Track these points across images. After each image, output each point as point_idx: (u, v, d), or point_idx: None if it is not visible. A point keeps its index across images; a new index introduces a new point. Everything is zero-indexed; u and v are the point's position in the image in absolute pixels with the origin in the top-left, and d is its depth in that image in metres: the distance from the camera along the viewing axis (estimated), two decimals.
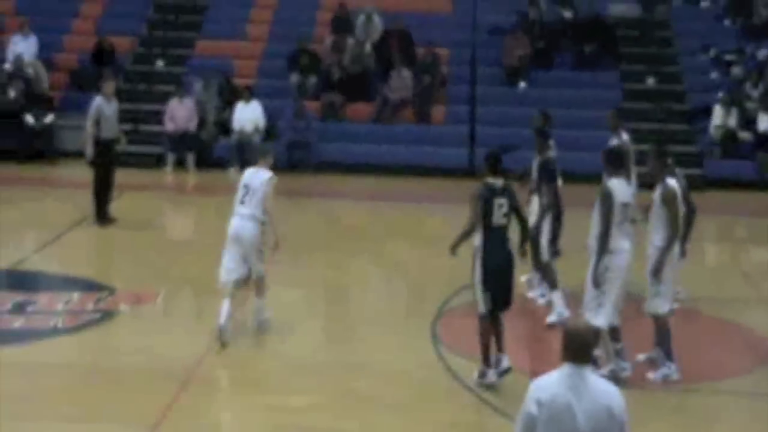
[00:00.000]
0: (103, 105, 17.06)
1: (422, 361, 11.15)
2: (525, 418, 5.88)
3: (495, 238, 10.14)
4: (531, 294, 13.26)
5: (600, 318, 10.20)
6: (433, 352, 11.43)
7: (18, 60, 22.95)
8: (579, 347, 5.87)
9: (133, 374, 10.86)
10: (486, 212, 10.10)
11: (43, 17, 24.70)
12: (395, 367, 11.01)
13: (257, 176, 11.92)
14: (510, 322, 10.71)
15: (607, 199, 10.17)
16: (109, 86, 17.37)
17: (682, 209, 10.49)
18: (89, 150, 16.91)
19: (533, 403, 5.85)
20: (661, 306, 10.48)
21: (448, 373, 10.83)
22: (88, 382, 10.61)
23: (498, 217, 10.13)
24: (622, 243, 10.22)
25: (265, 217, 11.92)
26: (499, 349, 10.44)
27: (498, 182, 10.22)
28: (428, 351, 11.43)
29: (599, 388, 5.90)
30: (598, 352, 10.27)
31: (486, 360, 10.37)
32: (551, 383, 5.89)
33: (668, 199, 10.23)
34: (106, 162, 17.11)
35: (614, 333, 10.50)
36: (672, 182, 10.36)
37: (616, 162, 10.47)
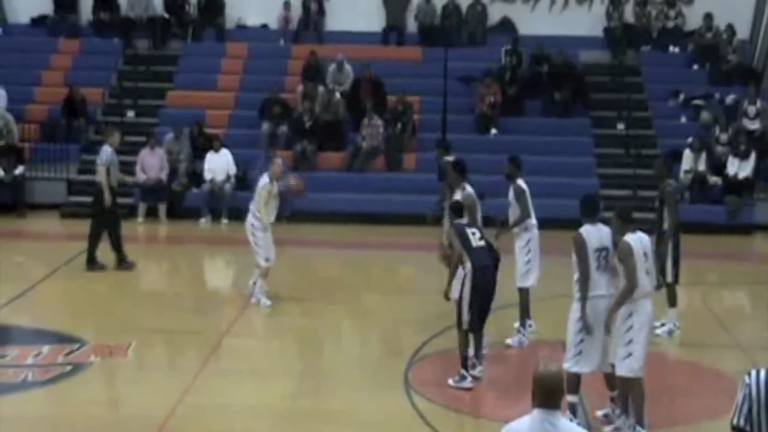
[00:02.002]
0: (112, 153, 17.35)
1: (395, 409, 11.16)
2: None
3: (480, 256, 11.61)
4: (510, 341, 13.34)
5: (580, 365, 10.26)
6: (406, 400, 11.44)
7: None
8: (549, 392, 5.88)
9: (104, 428, 10.83)
10: (465, 240, 11.58)
11: (13, 69, 24.76)
12: (369, 416, 11.02)
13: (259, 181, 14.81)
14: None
15: (579, 246, 10.26)
16: (114, 137, 17.67)
17: (645, 260, 10.20)
18: (107, 197, 17.13)
19: None
20: (636, 368, 10.12)
21: (421, 421, 10.84)
22: None
23: (475, 241, 11.66)
24: (600, 288, 10.27)
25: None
26: (477, 359, 11.87)
27: (464, 221, 11.90)
28: (401, 399, 11.44)
29: None
30: (571, 399, 10.31)
31: (465, 367, 11.62)
32: (522, 428, 5.88)
33: (623, 256, 10.08)
34: (114, 210, 17.26)
35: (578, 382, 10.41)
36: (631, 238, 10.14)
37: (589, 208, 10.55)
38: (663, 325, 13.73)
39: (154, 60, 25.87)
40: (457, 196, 12.74)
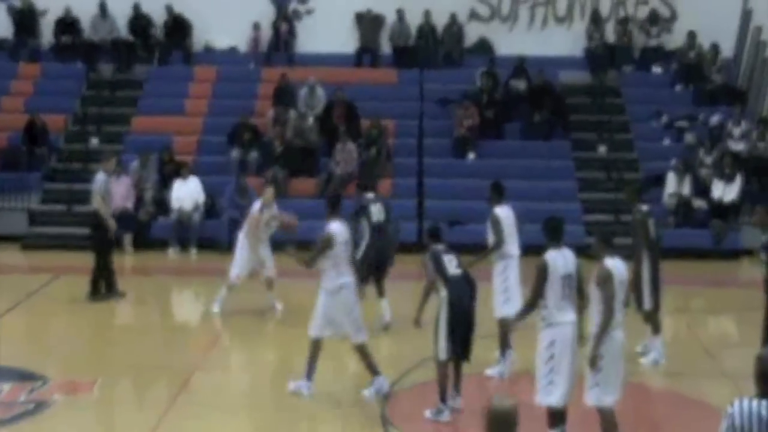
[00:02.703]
0: (107, 181, 17.54)
1: None
2: None
3: (457, 285, 11.69)
4: (489, 371, 13.44)
5: (553, 396, 10.33)
6: None
7: None
8: (503, 426, 6.05)
9: None
10: (439, 267, 11.70)
11: None
12: None
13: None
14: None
15: (540, 272, 10.34)
16: (110, 162, 17.92)
17: (621, 289, 10.22)
18: (111, 224, 17.31)
19: None
20: (603, 397, 10.20)
21: None
22: None
23: (452, 268, 11.77)
24: (567, 315, 10.37)
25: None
26: (457, 390, 11.95)
27: (443, 246, 11.94)
28: None
29: None
30: None
31: (443, 400, 11.69)
32: None
33: (602, 281, 10.11)
34: (108, 237, 17.41)
35: (559, 415, 10.46)
36: (610, 263, 10.19)
37: (554, 232, 10.62)
38: (643, 354, 13.88)
39: (118, 85, 25.95)
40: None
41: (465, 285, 11.83)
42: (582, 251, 14.27)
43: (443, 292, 11.65)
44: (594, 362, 10.05)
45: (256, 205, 16.56)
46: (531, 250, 16.45)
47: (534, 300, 10.36)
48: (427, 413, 11.79)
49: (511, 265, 13.52)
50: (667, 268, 19.54)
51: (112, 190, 19.68)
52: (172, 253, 21.91)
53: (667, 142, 24.26)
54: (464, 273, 11.92)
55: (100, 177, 17.56)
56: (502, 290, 13.43)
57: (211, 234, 21.72)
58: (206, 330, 16.67)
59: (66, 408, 12.29)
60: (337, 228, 12.51)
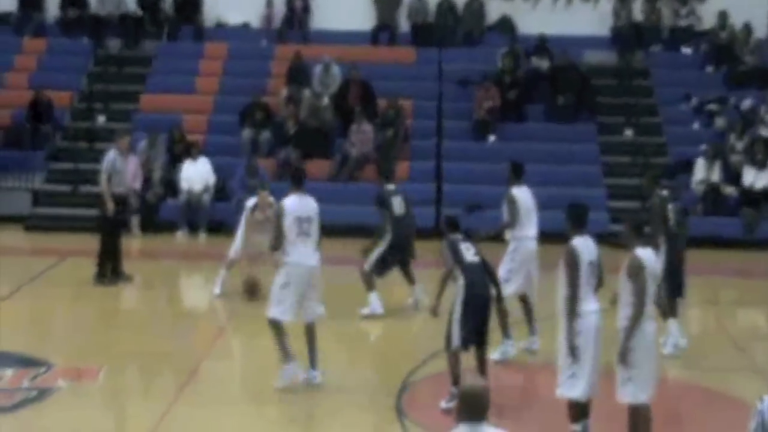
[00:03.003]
0: (117, 159, 17.50)
1: None
2: None
3: (474, 273, 11.77)
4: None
5: (576, 390, 10.28)
6: (398, 428, 11.48)
7: None
8: (474, 406, 6.21)
9: None
10: (457, 256, 11.78)
11: None
12: None
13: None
14: None
15: (572, 259, 10.31)
16: (125, 141, 17.89)
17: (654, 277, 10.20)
18: (110, 205, 17.30)
19: None
20: (638, 394, 10.11)
21: None
22: None
23: (470, 256, 11.85)
24: (590, 304, 10.32)
25: None
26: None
27: (460, 235, 12.07)
28: (394, 426, 11.49)
29: None
30: (575, 427, 10.35)
31: (456, 385, 11.54)
32: None
33: (633, 272, 10.02)
34: (115, 218, 17.42)
35: (582, 409, 10.42)
36: (642, 253, 10.11)
37: (579, 218, 10.58)
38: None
39: (126, 61, 25.94)
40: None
41: (482, 273, 11.93)
42: (606, 239, 14.30)
43: (461, 280, 11.77)
44: (624, 357, 9.96)
45: (250, 202, 16.61)
46: (553, 235, 16.48)
47: (576, 290, 10.22)
48: (442, 403, 11.78)
49: (522, 248, 13.77)
50: (695, 258, 19.49)
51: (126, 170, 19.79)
52: (181, 235, 21.93)
53: (696, 126, 24.16)
54: (482, 261, 11.98)
55: (110, 155, 17.62)
56: (506, 270, 13.61)
57: (221, 217, 21.71)
58: (215, 316, 16.69)
59: (70, 395, 12.30)
60: (288, 203, 12.51)
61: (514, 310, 13.77)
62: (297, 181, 12.82)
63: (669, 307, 13.89)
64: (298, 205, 12.48)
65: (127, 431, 11.28)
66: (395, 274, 16.14)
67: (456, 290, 11.79)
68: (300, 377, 12.46)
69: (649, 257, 10.17)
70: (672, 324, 13.95)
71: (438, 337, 13.81)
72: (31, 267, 18.89)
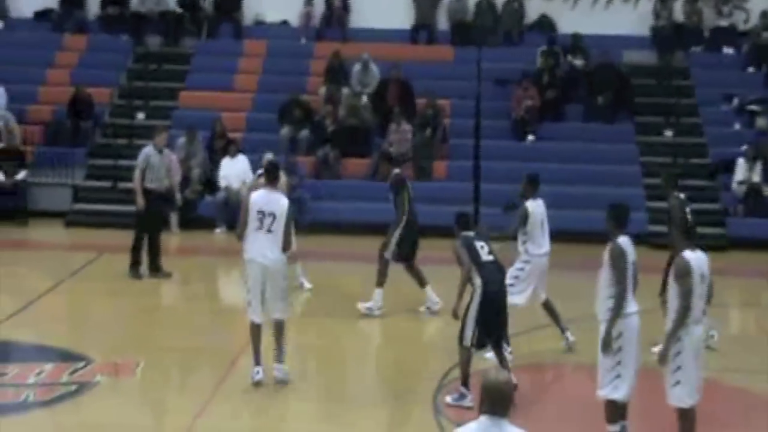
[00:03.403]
0: (152, 155, 17.67)
1: None
2: None
3: (490, 272, 11.77)
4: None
5: (620, 391, 10.20)
6: (435, 426, 11.46)
7: None
8: (497, 400, 6.26)
9: None
10: (473, 255, 11.75)
11: (15, 67, 24.96)
12: None
13: None
14: None
15: (619, 258, 10.23)
16: (162, 137, 18.04)
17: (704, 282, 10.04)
18: (140, 201, 17.48)
19: None
20: (685, 397, 10.00)
21: None
22: None
23: (484, 255, 11.83)
24: (633, 306, 10.24)
25: None
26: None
27: (473, 233, 12.08)
28: (430, 425, 11.47)
29: None
30: (613, 428, 10.29)
31: (466, 385, 11.73)
32: None
33: (680, 274, 9.89)
34: (152, 214, 17.52)
35: (621, 410, 10.33)
36: (689, 256, 9.99)
37: (622, 218, 10.49)
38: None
39: (166, 58, 26.04)
40: None
41: (497, 272, 11.96)
42: (645, 240, 14.24)
43: (477, 280, 11.75)
44: (664, 359, 9.87)
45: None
46: (591, 235, 16.41)
47: (625, 291, 10.15)
48: (448, 399, 11.84)
49: (533, 264, 13.73)
50: (735, 260, 19.43)
51: (169, 166, 19.92)
52: (219, 232, 21.98)
53: (737, 126, 24.00)
54: (495, 260, 11.98)
55: (146, 150, 17.80)
56: (513, 276, 13.52)
57: None
58: None
59: (108, 390, 12.35)
60: (254, 196, 12.41)
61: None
62: (269, 176, 12.58)
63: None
64: (264, 199, 12.28)
65: (164, 426, 11.31)
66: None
67: (473, 290, 11.79)
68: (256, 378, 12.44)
69: (697, 259, 10.02)
70: None
71: None
72: (70, 262, 19.01)
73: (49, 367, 13.05)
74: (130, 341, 14.44)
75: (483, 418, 6.26)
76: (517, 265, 13.72)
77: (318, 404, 12.49)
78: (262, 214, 12.20)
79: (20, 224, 22.16)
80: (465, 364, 11.79)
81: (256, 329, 12.42)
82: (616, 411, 10.27)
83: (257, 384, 12.27)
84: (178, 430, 11.11)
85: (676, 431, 10.10)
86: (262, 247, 12.25)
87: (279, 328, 12.52)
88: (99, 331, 15.24)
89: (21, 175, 22.59)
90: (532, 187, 13.89)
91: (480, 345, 11.82)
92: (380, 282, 15.66)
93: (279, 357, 12.53)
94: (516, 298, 13.43)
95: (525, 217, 13.65)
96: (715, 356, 13.53)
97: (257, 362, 12.38)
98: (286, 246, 12.32)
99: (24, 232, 21.99)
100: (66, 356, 13.48)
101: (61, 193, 22.98)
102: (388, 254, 15.70)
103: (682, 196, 14.21)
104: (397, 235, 15.73)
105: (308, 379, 13.62)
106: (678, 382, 9.93)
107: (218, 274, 20.19)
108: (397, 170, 16.06)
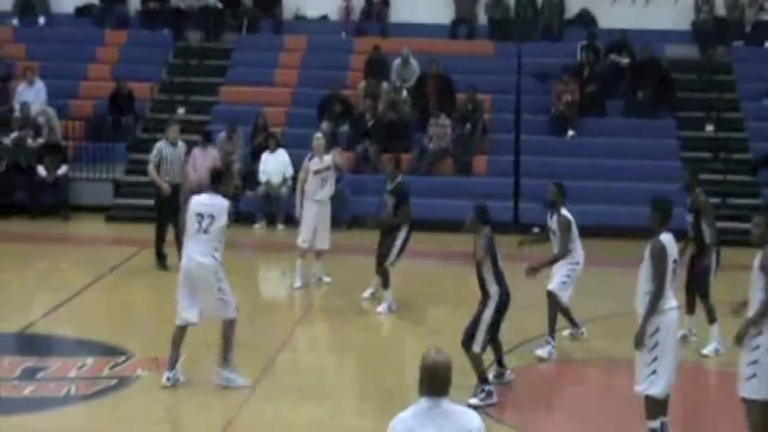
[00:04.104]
0: (165, 148, 17.85)
1: None
2: None
3: (504, 279, 11.84)
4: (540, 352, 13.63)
5: (657, 387, 10.15)
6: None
7: (25, 108, 23.23)
8: (436, 380, 6.38)
9: None
10: (494, 260, 11.80)
11: (56, 62, 25.11)
12: None
13: None
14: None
15: (660, 256, 10.16)
16: (173, 130, 18.19)
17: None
18: (164, 186, 17.76)
19: None
20: (760, 390, 9.83)
21: None
22: None
23: (500, 262, 11.87)
24: (671, 301, 10.18)
25: None
26: (503, 365, 12.51)
27: (489, 229, 11.89)
28: None
29: (457, 414, 6.37)
30: (653, 425, 10.22)
31: (486, 381, 11.84)
32: (408, 417, 6.40)
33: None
34: (163, 205, 17.90)
35: (660, 406, 10.26)
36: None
37: (667, 214, 10.41)
38: (692, 334, 14.09)
39: (206, 53, 26.11)
40: None
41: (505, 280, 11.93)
42: (686, 235, 14.13)
43: (494, 288, 11.77)
44: (739, 338, 9.81)
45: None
46: (633, 230, 16.32)
47: (663, 287, 10.07)
48: (475, 400, 11.64)
49: (581, 264, 13.79)
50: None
51: (198, 163, 19.99)
52: (259, 228, 22.02)
53: None
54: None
55: (158, 144, 18.10)
56: (566, 273, 13.63)
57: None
58: (292, 308, 16.72)
59: (149, 385, 12.37)
60: (195, 199, 12.31)
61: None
62: (213, 179, 12.38)
63: (710, 311, 13.82)
64: (203, 202, 12.12)
65: (204, 422, 11.32)
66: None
67: (487, 297, 11.80)
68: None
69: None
70: (714, 329, 13.84)
71: (519, 331, 13.82)
72: (111, 257, 19.08)
73: (90, 361, 13.11)
74: (171, 336, 14.43)
75: (423, 400, 6.37)
76: (569, 266, 13.67)
77: (355, 401, 12.47)
78: (200, 216, 12.06)
79: (62, 219, 22.29)
80: (480, 365, 11.86)
81: (177, 329, 12.30)
82: (655, 407, 10.19)
83: (164, 387, 12.07)
84: (217, 426, 11.12)
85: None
86: (197, 248, 12.07)
87: (225, 329, 12.30)
88: (140, 326, 15.29)
89: (62, 170, 22.70)
90: (562, 195, 13.75)
91: (484, 349, 11.89)
92: (388, 284, 15.67)
93: (220, 360, 12.33)
94: (565, 296, 13.60)
95: (569, 225, 13.56)
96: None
97: (169, 367, 12.19)
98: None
99: (65, 226, 22.12)
100: (107, 350, 13.54)
101: (102, 188, 23.09)
102: (389, 263, 15.65)
103: (702, 192, 14.28)
104: (399, 244, 15.70)
105: (348, 375, 13.61)
106: (755, 375, 9.79)
107: (258, 269, 20.22)
108: (401, 176, 16.02)
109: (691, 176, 14.57)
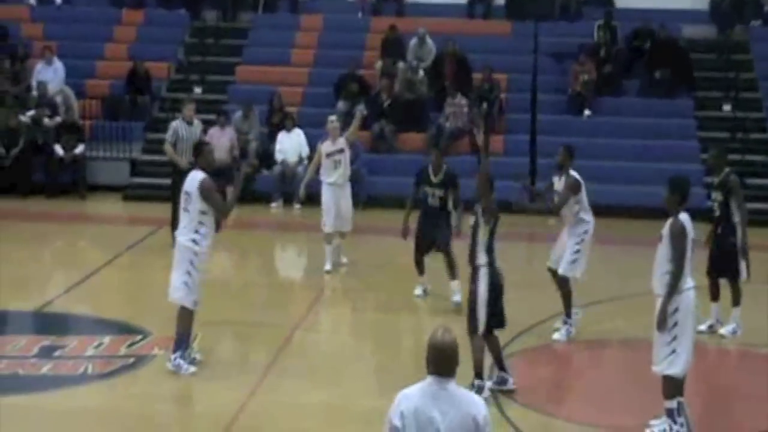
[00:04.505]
0: (181, 127, 17.87)
1: None
2: (389, 430, 6.36)
3: (494, 252, 11.37)
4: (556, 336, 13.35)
5: (676, 367, 10.11)
6: (491, 401, 11.40)
7: (42, 87, 23.25)
8: (443, 360, 6.32)
9: (169, 424, 10.99)
10: (492, 233, 11.41)
11: (73, 42, 25.11)
12: None
13: None
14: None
15: (680, 237, 10.11)
16: (189, 109, 18.19)
17: None
18: (181, 161, 17.51)
19: (397, 415, 6.34)
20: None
21: (507, 425, 10.80)
22: (121, 431, 10.71)
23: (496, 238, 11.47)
24: (690, 281, 10.15)
25: None
26: (502, 368, 11.59)
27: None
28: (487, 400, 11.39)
29: (463, 400, 6.29)
30: (670, 404, 10.19)
31: (480, 375, 11.26)
32: (414, 395, 6.35)
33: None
34: (181, 186, 17.63)
35: (679, 385, 10.24)
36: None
37: (686, 193, 10.34)
38: (719, 324, 13.74)
39: (223, 33, 26.06)
40: None
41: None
42: (703, 215, 14.07)
43: (483, 258, 11.30)
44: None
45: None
46: (650, 210, 16.22)
47: (681, 268, 10.02)
48: (488, 383, 11.46)
49: (589, 230, 13.35)
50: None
51: (215, 142, 19.93)
52: (275, 207, 22.01)
53: None
54: None
55: (174, 124, 18.12)
56: (575, 251, 13.29)
57: (315, 188, 21.65)
58: (309, 286, 16.71)
59: (165, 363, 12.37)
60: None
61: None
62: (195, 153, 12.30)
63: (737, 293, 13.68)
64: (188, 180, 11.99)
65: (219, 400, 11.32)
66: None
67: (476, 273, 11.32)
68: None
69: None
70: (736, 311, 13.66)
71: (534, 312, 13.80)
72: (128, 236, 19.11)
73: (107, 339, 13.13)
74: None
75: (429, 379, 6.33)
76: (575, 238, 13.29)
77: (370, 378, 12.45)
78: (184, 194, 11.97)
79: (79, 198, 22.32)
80: (480, 351, 11.28)
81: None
82: (673, 387, 10.17)
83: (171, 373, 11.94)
84: (233, 404, 11.12)
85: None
86: (181, 226, 12.01)
87: (178, 314, 12.04)
88: (156, 305, 15.19)
89: (79, 149, 22.72)
90: (571, 158, 13.51)
91: (490, 331, 11.33)
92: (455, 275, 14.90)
93: (173, 345, 12.09)
94: (579, 273, 13.32)
95: (578, 186, 13.25)
96: (761, 333, 13.43)
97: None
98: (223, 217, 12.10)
99: (82, 205, 22.15)
100: (124, 329, 13.56)
101: (119, 168, 23.12)
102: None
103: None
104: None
105: (365, 354, 13.61)
106: None
107: (274, 248, 20.23)
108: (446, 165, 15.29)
109: (719, 156, 14.09)
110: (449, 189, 15.07)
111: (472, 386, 11.03)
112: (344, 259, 17.09)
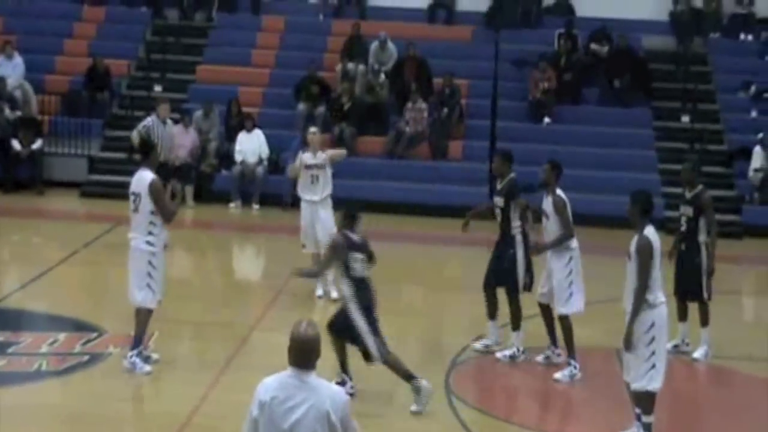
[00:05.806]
0: (155, 126, 17.64)
1: (434, 416, 11.09)
2: (248, 419, 6.56)
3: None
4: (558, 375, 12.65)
5: (656, 381, 10.03)
6: (446, 406, 11.38)
7: (1, 82, 23.03)
8: (304, 353, 6.49)
9: (122, 422, 10.88)
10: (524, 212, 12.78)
11: (33, 37, 24.91)
12: (406, 420, 10.97)
13: None
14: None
15: (647, 254, 9.94)
16: (164, 108, 18.03)
17: None
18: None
19: (256, 405, 6.53)
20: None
21: (461, 428, 10.79)
22: (74, 429, 10.62)
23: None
24: (662, 295, 10.08)
25: None
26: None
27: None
28: (441, 405, 11.38)
29: (321, 391, 6.44)
30: (648, 419, 10.16)
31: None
32: (272, 385, 6.53)
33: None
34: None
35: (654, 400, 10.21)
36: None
37: (649, 206, 10.22)
38: (685, 345, 13.43)
39: (184, 31, 25.93)
40: None
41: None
42: (662, 225, 14.10)
43: (516, 222, 12.71)
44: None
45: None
46: (610, 220, 16.24)
47: (646, 287, 9.88)
48: (558, 375, 12.12)
49: (575, 256, 12.43)
50: (750, 247, 19.30)
51: (177, 141, 19.80)
52: (234, 207, 21.91)
53: (754, 114, 23.80)
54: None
55: (147, 121, 17.88)
56: (567, 285, 12.32)
57: (274, 189, 21.65)
58: (266, 288, 16.63)
59: (121, 361, 12.26)
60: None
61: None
62: (144, 152, 12.12)
63: (704, 313, 13.25)
64: (134, 180, 11.83)
65: (176, 398, 11.24)
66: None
67: (516, 238, 12.57)
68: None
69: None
70: (706, 333, 13.27)
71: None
72: (85, 232, 18.96)
73: (62, 336, 13.02)
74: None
75: (289, 369, 6.50)
76: (564, 271, 12.34)
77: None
78: (131, 195, 11.82)
79: (36, 194, 22.13)
80: (517, 310, 12.60)
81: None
82: (651, 401, 10.10)
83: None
84: (188, 403, 11.05)
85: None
86: (131, 229, 11.92)
87: (136, 314, 11.96)
88: (113, 303, 15.12)
89: (37, 144, 22.52)
90: (557, 175, 12.39)
91: (528, 288, 12.61)
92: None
93: (131, 343, 12.00)
94: (579, 306, 12.43)
95: (564, 207, 12.34)
96: (730, 344, 13.45)
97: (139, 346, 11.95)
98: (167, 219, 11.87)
99: (39, 201, 21.95)
100: (79, 326, 13.45)
101: (77, 164, 22.93)
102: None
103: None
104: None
105: (323, 356, 13.51)
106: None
107: (232, 248, 20.13)
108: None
109: (693, 170, 13.43)
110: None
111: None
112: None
